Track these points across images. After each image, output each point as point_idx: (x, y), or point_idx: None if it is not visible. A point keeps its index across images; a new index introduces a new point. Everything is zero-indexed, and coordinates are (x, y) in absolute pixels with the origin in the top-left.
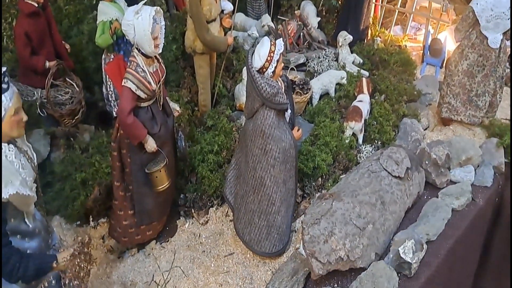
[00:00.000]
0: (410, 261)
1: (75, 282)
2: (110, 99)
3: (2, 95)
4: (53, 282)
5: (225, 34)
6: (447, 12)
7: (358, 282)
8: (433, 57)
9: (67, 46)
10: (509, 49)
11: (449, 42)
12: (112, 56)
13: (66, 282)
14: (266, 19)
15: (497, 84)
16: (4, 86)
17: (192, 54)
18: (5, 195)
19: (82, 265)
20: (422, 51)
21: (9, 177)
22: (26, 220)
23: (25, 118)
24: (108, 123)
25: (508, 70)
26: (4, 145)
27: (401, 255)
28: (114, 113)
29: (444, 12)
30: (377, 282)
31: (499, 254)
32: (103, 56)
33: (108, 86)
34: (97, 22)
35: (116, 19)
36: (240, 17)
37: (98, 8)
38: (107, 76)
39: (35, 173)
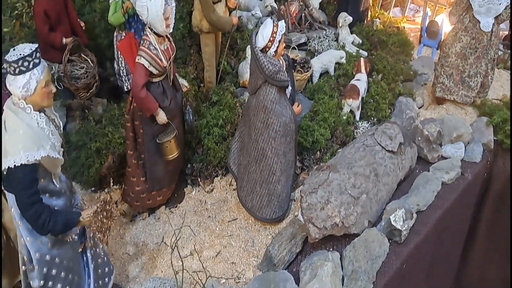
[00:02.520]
0: (400, 228)
1: (98, 235)
2: (122, 74)
3: (35, 69)
4: (76, 238)
5: (229, 14)
6: None
7: (352, 247)
8: (430, 39)
9: (82, 24)
10: (501, 32)
11: (446, 25)
12: (124, 34)
13: (91, 235)
14: (269, 0)
15: (489, 66)
16: (36, 61)
17: (199, 33)
18: (38, 157)
19: (104, 221)
20: (419, 33)
21: (41, 141)
22: (53, 180)
23: (54, 89)
24: (119, 97)
25: (501, 53)
26: (35, 113)
27: (392, 222)
28: (125, 87)
29: None
30: (369, 247)
31: (487, 227)
32: (115, 33)
33: (119, 62)
34: (110, 1)
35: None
36: None
37: None
38: (119, 52)
39: (62, 139)
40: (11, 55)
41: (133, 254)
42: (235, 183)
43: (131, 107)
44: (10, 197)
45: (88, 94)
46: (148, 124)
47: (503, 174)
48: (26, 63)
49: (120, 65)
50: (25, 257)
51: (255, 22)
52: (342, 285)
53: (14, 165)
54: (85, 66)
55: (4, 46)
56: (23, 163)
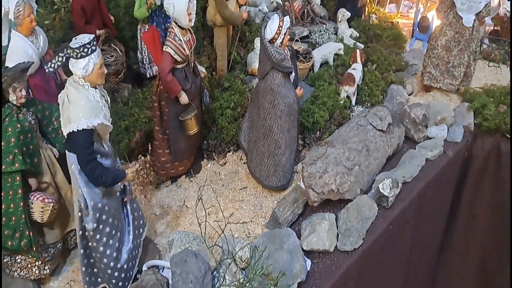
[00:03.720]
0: (387, 195)
1: (140, 187)
2: (145, 62)
3: (92, 54)
4: (118, 194)
5: (239, 10)
6: None
7: (346, 210)
8: (422, 33)
9: (112, 18)
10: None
11: (436, 20)
12: (147, 27)
13: (133, 189)
14: None
15: (471, 57)
16: (93, 48)
17: (212, 26)
18: (94, 124)
19: (144, 176)
20: (412, 27)
21: (96, 112)
22: (103, 144)
23: (105, 71)
24: (141, 82)
25: (485, 46)
26: (92, 89)
27: (381, 190)
28: (147, 74)
29: None
30: (360, 210)
31: (468, 201)
32: (139, 26)
33: (143, 51)
34: None
35: None
36: None
37: None
38: (143, 43)
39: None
40: (74, 43)
41: (159, 214)
42: (245, 157)
43: (158, 89)
44: (71, 157)
45: (117, 79)
46: (172, 104)
47: (481, 153)
48: (86, 49)
49: (143, 55)
50: (81, 205)
51: (262, 16)
52: (337, 240)
53: (77, 129)
54: (115, 55)
55: None
56: (84, 128)
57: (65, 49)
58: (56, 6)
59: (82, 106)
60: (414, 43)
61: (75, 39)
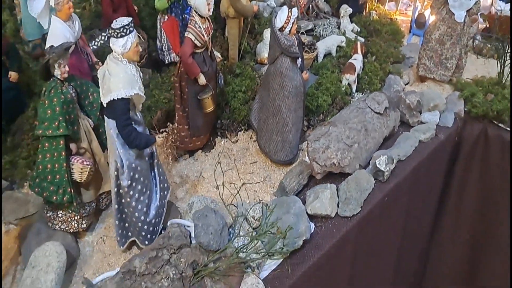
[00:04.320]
0: (383, 170)
1: (168, 150)
2: (164, 49)
3: (130, 34)
4: (147, 158)
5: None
6: None
7: (346, 182)
8: (418, 29)
9: (135, 8)
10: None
11: (432, 17)
12: (166, 17)
13: (163, 151)
14: None
15: (462, 50)
16: (131, 29)
17: (226, 18)
18: (131, 93)
19: (172, 141)
20: (410, 24)
21: (133, 83)
22: (136, 113)
23: (140, 49)
24: (160, 68)
25: (477, 42)
26: (129, 64)
27: (377, 165)
28: (166, 60)
29: None
30: (359, 183)
31: (459, 180)
32: (158, 16)
33: (162, 39)
34: None
35: None
36: None
37: None
38: (163, 32)
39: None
40: (115, 24)
41: (179, 183)
42: (255, 135)
43: (179, 71)
44: (110, 122)
45: (140, 63)
46: (192, 84)
47: (471, 137)
48: (125, 30)
49: (162, 42)
50: (118, 164)
51: (269, 10)
52: (338, 207)
53: (117, 98)
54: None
55: None
56: (122, 96)
57: (107, 30)
58: None
59: (122, 78)
60: (412, 38)
61: (115, 21)
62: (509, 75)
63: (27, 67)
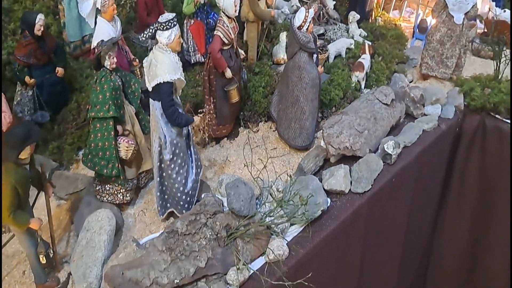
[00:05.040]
0: (391, 153)
1: (205, 127)
2: (190, 50)
3: (174, 27)
4: (184, 138)
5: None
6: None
7: (357, 164)
8: (421, 33)
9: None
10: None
11: (433, 21)
12: (192, 21)
13: (199, 129)
14: (295, 1)
15: (461, 50)
16: (175, 23)
17: (245, 22)
18: (175, 78)
19: (208, 121)
20: (413, 29)
21: (176, 69)
22: (177, 97)
23: (181, 41)
24: (185, 68)
25: (476, 45)
26: (173, 53)
27: (385, 149)
28: (192, 60)
29: None
30: (369, 164)
31: (460, 167)
32: (185, 21)
33: (188, 41)
34: None
35: None
36: None
37: None
38: (190, 34)
39: None
40: (162, 19)
41: (208, 166)
42: (274, 126)
43: (208, 66)
44: (155, 103)
45: None
46: (219, 77)
47: (470, 128)
48: (170, 24)
49: (189, 44)
50: (161, 140)
51: (283, 17)
52: (351, 185)
53: (163, 81)
54: None
55: None
56: (168, 80)
57: (155, 24)
58: (122, 2)
59: (167, 65)
60: (415, 42)
61: (161, 17)
62: (509, 71)
63: (68, 66)
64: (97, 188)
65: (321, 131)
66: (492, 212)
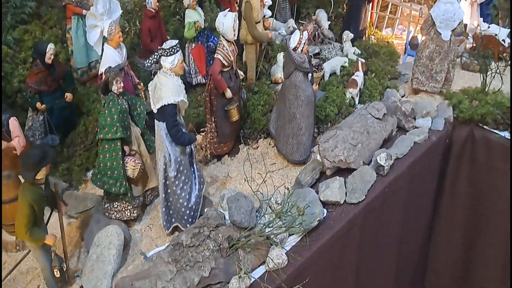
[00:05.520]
0: (383, 164)
1: (207, 145)
2: (191, 72)
3: (177, 53)
4: (187, 156)
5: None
6: (423, 18)
7: (352, 176)
8: (412, 50)
9: (168, 38)
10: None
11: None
12: (193, 45)
13: (201, 147)
14: (291, 22)
15: (450, 65)
16: (178, 48)
17: (244, 44)
18: (179, 100)
19: (210, 139)
20: (404, 46)
21: (179, 92)
22: (180, 117)
23: (184, 65)
24: (187, 90)
25: (465, 59)
26: (176, 77)
27: (378, 160)
28: (193, 82)
29: (421, 17)
30: (363, 176)
31: (451, 177)
32: (186, 45)
33: (190, 64)
34: (185, 22)
35: (198, 21)
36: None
37: (185, 13)
38: (191, 57)
39: None
40: (166, 45)
41: (210, 182)
42: (273, 142)
43: (209, 87)
44: (161, 124)
45: None
46: (220, 98)
47: (459, 139)
48: (173, 50)
49: (190, 66)
50: (166, 158)
51: (281, 38)
52: (345, 196)
53: (167, 103)
54: None
55: None
56: (172, 102)
57: (159, 50)
58: (127, 29)
59: (171, 88)
60: (407, 58)
61: (165, 43)
62: (496, 83)
63: (76, 91)
64: (106, 206)
65: (317, 145)
66: (484, 220)
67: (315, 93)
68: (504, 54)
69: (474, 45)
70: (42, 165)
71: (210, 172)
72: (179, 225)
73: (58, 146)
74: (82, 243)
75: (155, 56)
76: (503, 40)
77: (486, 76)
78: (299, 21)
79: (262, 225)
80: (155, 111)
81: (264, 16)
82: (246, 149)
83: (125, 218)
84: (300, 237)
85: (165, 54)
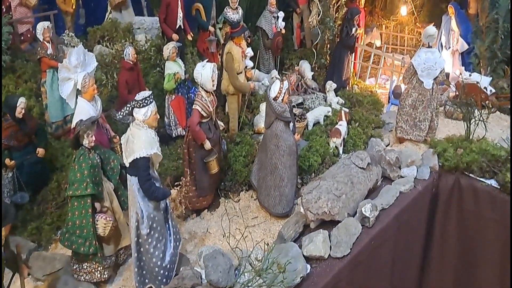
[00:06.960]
0: (369, 216)
1: (182, 201)
2: (171, 124)
3: (151, 104)
4: (162, 212)
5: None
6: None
7: (336, 228)
8: (395, 99)
9: (147, 90)
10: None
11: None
12: (173, 96)
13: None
14: (274, 73)
15: (433, 113)
16: (151, 100)
17: (226, 95)
18: (151, 152)
19: (185, 192)
20: (388, 95)
21: (152, 144)
22: (154, 171)
23: (158, 117)
24: (167, 142)
25: (448, 107)
26: (150, 129)
27: (363, 212)
28: (173, 134)
29: (403, 67)
30: (348, 228)
31: (440, 226)
32: (167, 96)
33: (170, 116)
34: (165, 74)
35: (178, 72)
36: (255, 71)
37: (165, 65)
38: (171, 109)
39: None
40: (139, 97)
41: (188, 238)
42: (255, 195)
43: (187, 139)
44: (133, 179)
45: None
46: (198, 149)
47: (446, 187)
48: (146, 101)
49: (170, 118)
50: (138, 215)
51: (264, 88)
52: (330, 250)
53: (139, 157)
54: None
55: None
56: (144, 156)
57: (132, 102)
58: (104, 82)
59: (143, 140)
60: (391, 107)
61: (138, 95)
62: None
63: (50, 146)
64: (74, 267)
65: (300, 197)
66: (474, 268)
67: (297, 142)
68: (487, 102)
69: (457, 93)
70: (1, 225)
71: (189, 228)
72: (152, 286)
73: (27, 204)
74: None
75: (128, 108)
76: (485, 88)
77: (470, 124)
78: (283, 72)
79: (241, 284)
80: (127, 165)
81: (246, 67)
82: (225, 203)
83: (95, 280)
84: None
85: (138, 106)
